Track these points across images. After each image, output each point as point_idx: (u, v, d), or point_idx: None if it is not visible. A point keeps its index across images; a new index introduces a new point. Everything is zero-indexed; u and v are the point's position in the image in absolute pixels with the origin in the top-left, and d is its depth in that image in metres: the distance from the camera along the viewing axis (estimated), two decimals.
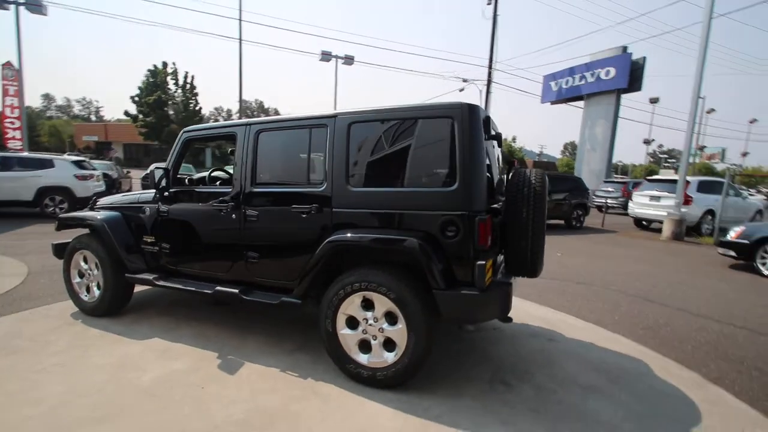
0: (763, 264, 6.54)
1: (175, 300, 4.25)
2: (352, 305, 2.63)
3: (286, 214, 2.87)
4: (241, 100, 19.15)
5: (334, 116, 2.76)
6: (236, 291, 3.01)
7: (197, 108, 29.56)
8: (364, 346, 2.66)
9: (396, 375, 2.53)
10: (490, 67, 23.84)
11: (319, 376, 2.75)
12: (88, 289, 3.79)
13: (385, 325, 2.57)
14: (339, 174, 2.69)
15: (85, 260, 3.77)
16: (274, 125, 3.02)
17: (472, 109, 2.43)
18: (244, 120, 3.10)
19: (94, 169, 10.67)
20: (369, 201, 2.62)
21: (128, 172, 15.65)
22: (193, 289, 3.21)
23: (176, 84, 28.57)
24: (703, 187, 11.34)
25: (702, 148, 38.89)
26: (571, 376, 2.92)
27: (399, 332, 2.51)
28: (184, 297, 4.31)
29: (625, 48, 22.27)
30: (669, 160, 64.74)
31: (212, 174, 3.84)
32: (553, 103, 26.66)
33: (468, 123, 2.41)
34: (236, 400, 2.43)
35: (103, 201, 4.07)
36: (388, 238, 2.48)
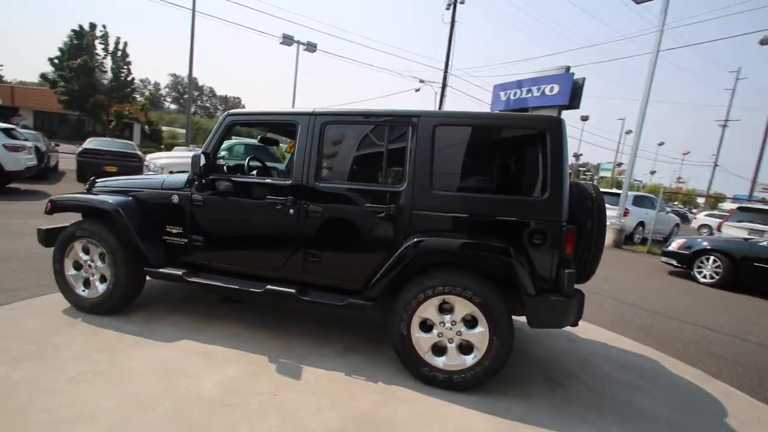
0: (699, 272, 7.60)
1: (181, 296, 3.87)
2: (429, 308, 2.62)
3: (357, 213, 2.76)
4: (191, 74, 17.58)
5: (417, 115, 2.70)
6: (293, 291, 2.84)
7: (130, 78, 26.54)
8: (437, 350, 2.66)
9: (475, 378, 2.57)
10: (445, 71, 24.60)
11: (388, 379, 2.69)
12: (86, 284, 3.31)
13: (464, 329, 2.59)
14: (422, 176, 2.65)
15: (86, 250, 3.29)
16: (345, 119, 2.88)
17: (561, 122, 2.54)
18: (308, 109, 2.91)
19: (26, 140, 9.20)
20: (453, 205, 2.62)
21: (56, 144, 13.68)
22: (237, 287, 2.95)
23: (105, 50, 25.35)
24: (636, 201, 12.82)
25: (620, 165, 43.94)
26: (607, 374, 3.18)
27: (480, 336, 2.55)
28: (191, 293, 3.94)
29: (568, 68, 24.17)
30: (586, 173, 71.91)
31: (250, 163, 3.53)
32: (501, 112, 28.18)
33: (558, 135, 2.51)
34: (321, 407, 2.30)
35: (105, 183, 3.57)
36: (481, 243, 2.50)
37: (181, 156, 11.05)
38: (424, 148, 2.66)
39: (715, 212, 25.10)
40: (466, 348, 2.62)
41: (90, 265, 3.28)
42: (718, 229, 11.33)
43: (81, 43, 24.74)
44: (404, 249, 2.59)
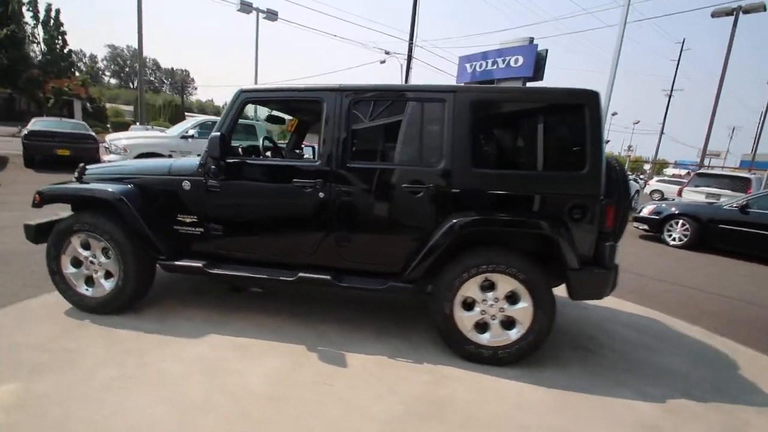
0: (669, 235, 8.15)
1: (187, 288, 3.65)
2: (472, 287, 2.61)
3: (393, 193, 2.67)
4: (141, 46, 16.07)
5: (453, 90, 2.60)
6: (328, 277, 2.73)
7: (66, 51, 23.99)
8: (480, 327, 2.68)
9: (519, 352, 2.62)
10: (411, 42, 24.14)
11: (433, 359, 2.70)
12: (89, 282, 3.03)
13: (506, 305, 2.62)
14: (460, 153, 2.58)
15: (85, 245, 2.99)
16: (376, 95, 2.72)
17: (598, 96, 2.53)
18: (334, 85, 2.72)
19: None
20: (493, 183, 2.58)
21: None
22: (266, 276, 2.80)
23: (35, 18, 22.65)
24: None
25: None
26: (625, 337, 3.36)
27: (523, 311, 2.58)
28: (197, 285, 3.72)
29: (531, 39, 24.44)
30: None
31: (265, 144, 3.28)
32: (467, 84, 28.26)
33: (596, 108, 2.51)
34: (380, 393, 2.27)
35: (97, 170, 3.23)
36: (526, 221, 2.50)
37: (145, 136, 10.27)
38: (462, 124, 2.58)
39: (665, 178, 26.92)
40: (508, 324, 2.66)
41: (92, 262, 2.99)
42: (679, 194, 12.13)
43: (6, 10, 21.97)
44: (447, 229, 2.54)
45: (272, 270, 2.85)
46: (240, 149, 3.17)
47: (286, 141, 4.27)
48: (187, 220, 2.94)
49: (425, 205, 2.64)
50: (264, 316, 3.16)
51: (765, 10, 14.54)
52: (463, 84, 2.50)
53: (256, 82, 22.45)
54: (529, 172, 2.59)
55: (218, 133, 2.68)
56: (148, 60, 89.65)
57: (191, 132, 9.79)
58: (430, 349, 2.84)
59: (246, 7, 18.38)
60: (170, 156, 9.06)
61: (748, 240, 7.22)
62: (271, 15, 19.33)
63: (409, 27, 23.11)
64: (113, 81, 79.16)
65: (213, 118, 11.45)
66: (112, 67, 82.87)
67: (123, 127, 22.96)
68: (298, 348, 2.72)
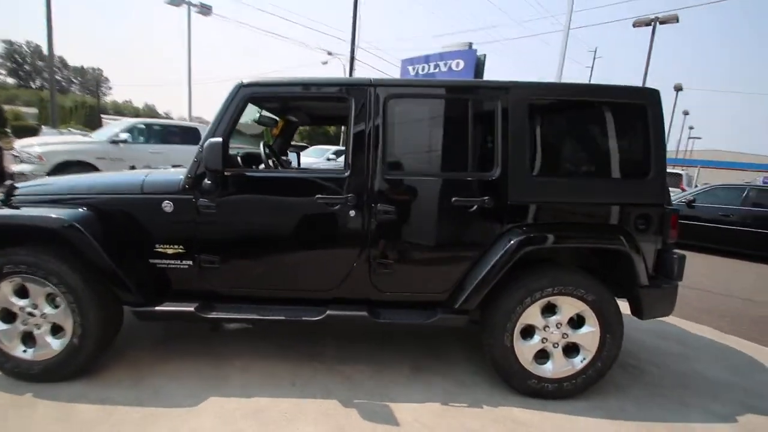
0: None
1: (153, 333, 2.90)
2: (534, 313, 2.27)
3: (440, 208, 2.24)
4: (50, 42, 13.80)
5: (507, 87, 2.24)
6: (364, 313, 2.23)
7: None
8: (540, 357, 2.35)
9: (585, 382, 2.32)
10: (353, 43, 23.78)
11: (490, 400, 2.31)
12: (27, 340, 2.24)
13: (570, 330, 2.31)
14: (517, 159, 2.22)
15: (20, 293, 2.20)
16: (416, 91, 2.28)
17: (659, 95, 2.32)
18: (363, 79, 2.23)
19: None
20: (555, 192, 2.26)
21: None
22: (284, 317, 2.23)
23: None
24: None
25: None
26: (657, 347, 3.23)
27: (589, 336, 2.29)
28: (165, 326, 2.99)
29: (470, 44, 25.25)
30: None
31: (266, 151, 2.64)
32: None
33: (658, 109, 2.29)
34: None
35: (31, 189, 2.42)
36: (603, 235, 2.20)
37: (65, 142, 8.75)
38: (518, 125, 2.22)
39: None
40: (570, 351, 2.35)
41: (32, 314, 2.21)
42: None
43: None
44: (509, 248, 2.17)
45: (290, 309, 2.28)
46: (239, 158, 2.54)
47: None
48: (170, 251, 2.27)
49: (478, 221, 2.25)
50: (267, 361, 2.56)
51: (678, 21, 16.21)
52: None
53: (189, 83, 20.65)
54: (591, 179, 2.31)
55: (219, 139, 2.06)
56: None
57: (123, 136, 8.50)
58: (480, 385, 2.45)
59: (176, 0, 16.72)
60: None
61: (697, 232, 7.78)
62: (205, 9, 17.82)
63: (350, 30, 22.78)
64: (10, 80, 69.07)
65: (147, 120, 10.13)
66: (8, 65, 72.31)
67: (27, 132, 19.89)
68: (330, 404, 2.18)
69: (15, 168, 7.69)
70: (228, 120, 2.21)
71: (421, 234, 2.28)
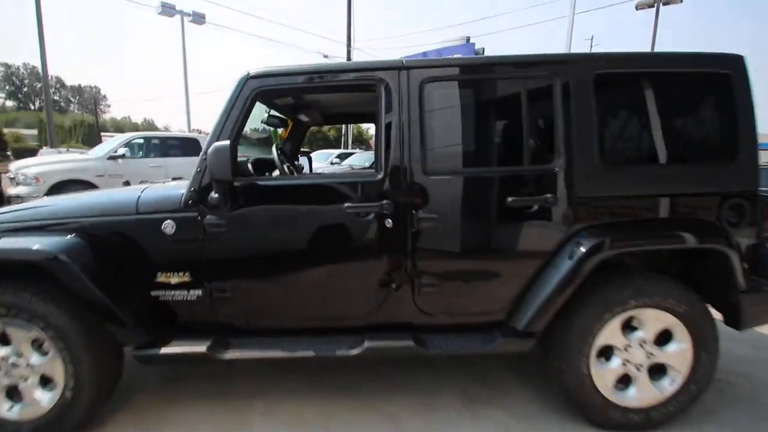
0: None
1: (152, 372, 2.53)
2: (614, 331, 1.89)
3: (496, 211, 1.87)
4: (44, 63, 13.47)
5: (565, 61, 1.86)
6: (410, 343, 1.86)
7: None
8: (621, 383, 1.97)
9: (677, 409, 1.94)
10: (348, 46, 23.49)
11: None
12: (12, 395, 1.89)
13: (656, 349, 1.93)
14: (584, 145, 1.85)
15: (2, 339, 1.85)
16: (456, 71, 1.91)
17: (744, 61, 1.94)
18: (393, 61, 1.86)
19: None
20: (626, 183, 1.89)
21: None
22: (314, 353, 1.86)
23: None
24: None
25: None
26: (728, 351, 2.84)
27: (680, 354, 1.91)
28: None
29: (468, 38, 24.91)
30: None
31: (279, 156, 2.26)
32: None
33: (744, 78, 1.91)
34: None
35: (10, 215, 2.06)
36: (686, 234, 1.82)
37: (62, 160, 8.45)
38: (582, 105, 1.85)
39: None
40: (656, 372, 1.97)
41: (15, 364, 1.85)
42: None
43: None
44: (581, 255, 1.79)
45: (320, 341, 1.92)
46: (249, 165, 2.18)
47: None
48: (174, 281, 1.91)
49: (539, 223, 1.88)
50: (295, 400, 2.19)
51: (682, 1, 15.76)
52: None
53: (186, 94, 20.37)
54: (672, 166, 1.93)
55: (226, 143, 1.69)
56: (50, 78, 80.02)
57: (121, 151, 8.20)
58: (545, 416, 2.08)
59: (168, 10, 16.44)
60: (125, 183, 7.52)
61: None
62: (198, 18, 17.53)
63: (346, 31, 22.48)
64: (9, 103, 69.32)
65: (145, 133, 9.83)
66: (7, 87, 72.63)
67: (28, 153, 19.70)
68: None
69: (11, 191, 7.38)
70: (235, 119, 1.85)
71: (472, 243, 1.91)
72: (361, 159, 13.83)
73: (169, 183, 2.30)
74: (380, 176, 1.84)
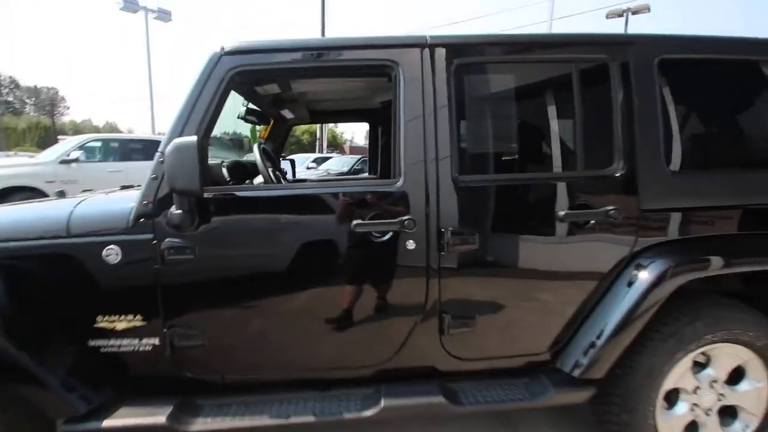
0: None
1: None
2: (683, 371, 1.55)
3: (544, 226, 1.49)
4: None
5: (628, 42, 1.51)
6: (441, 399, 1.44)
7: None
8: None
9: None
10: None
11: None
12: None
13: (727, 389, 1.60)
14: (650, 145, 1.50)
15: None
16: (495, 51, 1.52)
17: None
18: (415, 36, 1.45)
19: None
20: (700, 191, 1.55)
21: None
22: (313, 418, 1.41)
23: None
24: None
25: None
26: None
27: (753, 394, 1.60)
28: None
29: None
30: None
31: (262, 158, 1.77)
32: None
33: None
34: None
35: None
36: None
37: (6, 165, 7.56)
38: (648, 99, 1.50)
39: None
40: (725, 416, 1.64)
41: None
42: None
43: None
44: (651, 281, 1.43)
45: (322, 399, 1.47)
46: (224, 170, 1.71)
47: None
48: (120, 327, 1.41)
49: (596, 241, 1.51)
50: None
51: (649, 11, 16.21)
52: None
53: (151, 95, 19.21)
54: (753, 171, 1.61)
55: (192, 139, 1.23)
56: (2, 78, 75.15)
57: (75, 154, 7.39)
58: None
59: (131, 5, 15.43)
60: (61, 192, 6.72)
61: None
62: (163, 15, 16.56)
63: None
64: None
65: (103, 135, 9.02)
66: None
67: None
68: None
69: None
70: (204, 109, 1.38)
71: (516, 267, 1.51)
72: (338, 163, 13.36)
73: (115, 193, 1.80)
74: (400, 184, 1.42)
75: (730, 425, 1.64)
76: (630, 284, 1.48)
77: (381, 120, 2.84)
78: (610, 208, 1.46)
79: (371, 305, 1.47)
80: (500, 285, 1.52)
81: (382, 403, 1.42)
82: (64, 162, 7.26)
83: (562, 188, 1.51)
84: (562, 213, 1.45)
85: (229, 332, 1.47)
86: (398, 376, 1.54)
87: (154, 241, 1.37)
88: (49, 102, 64.33)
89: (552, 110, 1.62)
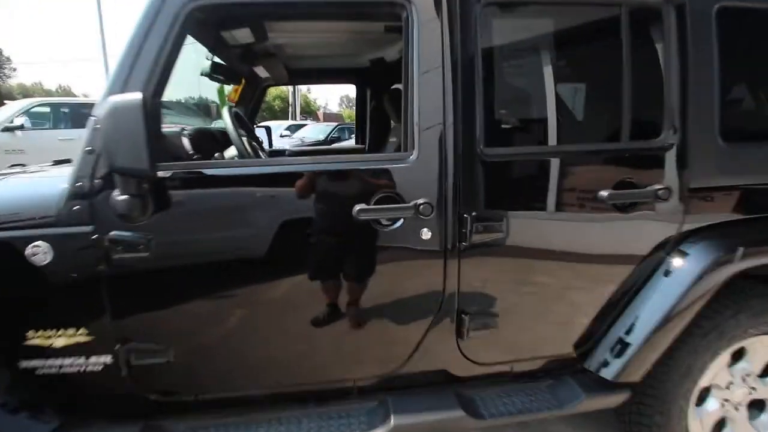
0: None
1: None
2: (719, 368, 1.40)
3: (582, 208, 1.26)
4: None
5: None
6: (460, 412, 1.23)
7: None
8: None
9: None
10: None
11: None
12: None
13: (759, 383, 1.47)
14: (704, 115, 1.27)
15: None
16: None
17: None
18: None
19: None
20: (759, 167, 1.36)
21: None
22: None
23: None
24: None
25: None
26: None
27: None
28: None
29: None
30: None
31: (234, 124, 1.42)
32: None
33: None
34: None
35: None
36: None
37: None
38: (702, 56, 1.25)
39: None
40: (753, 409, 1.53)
41: None
42: None
43: None
44: (702, 269, 1.24)
45: (316, 416, 1.23)
46: (185, 140, 1.37)
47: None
48: (58, 343, 1.11)
49: (638, 223, 1.30)
50: None
51: None
52: None
53: (105, 54, 17.50)
54: None
55: (137, 96, 0.90)
56: None
57: (19, 121, 6.62)
58: None
59: None
60: None
61: None
62: None
63: None
64: None
65: (51, 99, 8.16)
66: None
67: None
68: None
69: None
70: (155, 57, 1.03)
71: (546, 258, 1.28)
72: (314, 131, 12.77)
73: (45, 171, 1.44)
74: (413, 157, 1.13)
75: (757, 418, 1.53)
76: (674, 273, 1.28)
77: (370, 81, 2.51)
78: (659, 186, 1.23)
79: (377, 306, 1.22)
80: (527, 277, 1.29)
81: (392, 421, 1.20)
82: (7, 130, 6.49)
83: (604, 163, 1.27)
84: (605, 193, 1.22)
85: (201, 344, 1.19)
86: (406, 385, 1.32)
87: (95, 235, 1.05)
88: None
89: (593, 66, 1.35)
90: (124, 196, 0.99)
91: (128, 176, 0.96)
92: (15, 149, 6.44)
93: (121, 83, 1.02)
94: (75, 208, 1.06)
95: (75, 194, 1.06)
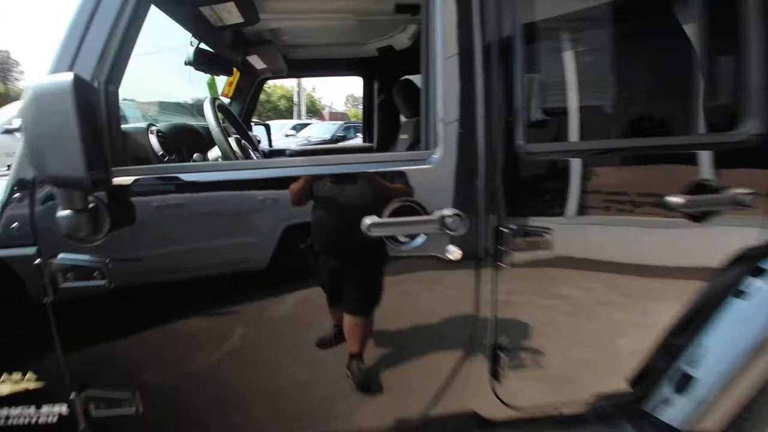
0: None
1: None
2: None
3: (642, 215, 1.01)
4: None
5: None
6: None
7: None
8: None
9: None
10: None
11: None
12: None
13: None
14: None
15: None
16: None
17: None
18: None
19: None
20: None
21: None
22: None
23: None
24: None
25: None
26: None
27: None
28: None
29: None
30: None
31: (220, 119, 1.20)
32: None
33: None
34: None
35: None
36: None
37: None
38: None
39: None
40: None
41: None
42: None
43: None
44: None
45: None
46: (153, 137, 1.15)
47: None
48: (4, 389, 0.90)
49: (714, 231, 1.05)
50: None
51: None
52: None
53: None
54: None
55: (65, 78, 0.68)
56: None
57: (18, 123, 6.48)
58: None
59: None
60: None
61: None
62: None
63: None
64: None
65: None
66: None
67: None
68: None
69: None
70: (109, 30, 0.81)
71: (599, 279, 1.04)
72: (319, 130, 12.57)
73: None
74: (436, 158, 0.90)
75: None
76: (762, 294, 1.04)
77: (378, 72, 2.27)
78: (741, 191, 0.98)
79: (393, 344, 0.99)
80: (576, 303, 1.05)
81: None
82: (7, 132, 6.36)
83: (672, 161, 1.02)
84: (677, 200, 0.97)
85: (176, 391, 0.97)
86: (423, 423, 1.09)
87: (38, 260, 0.83)
88: (0, 66, 59.53)
89: (665, 43, 1.10)
90: (67, 211, 0.77)
91: (65, 186, 0.74)
92: (15, 151, 6.31)
93: (66, 67, 0.80)
94: (13, 226, 0.84)
95: (13, 208, 0.84)
